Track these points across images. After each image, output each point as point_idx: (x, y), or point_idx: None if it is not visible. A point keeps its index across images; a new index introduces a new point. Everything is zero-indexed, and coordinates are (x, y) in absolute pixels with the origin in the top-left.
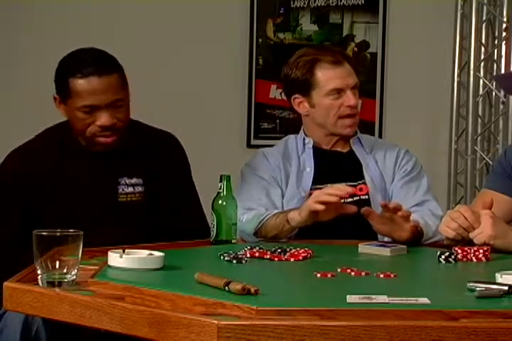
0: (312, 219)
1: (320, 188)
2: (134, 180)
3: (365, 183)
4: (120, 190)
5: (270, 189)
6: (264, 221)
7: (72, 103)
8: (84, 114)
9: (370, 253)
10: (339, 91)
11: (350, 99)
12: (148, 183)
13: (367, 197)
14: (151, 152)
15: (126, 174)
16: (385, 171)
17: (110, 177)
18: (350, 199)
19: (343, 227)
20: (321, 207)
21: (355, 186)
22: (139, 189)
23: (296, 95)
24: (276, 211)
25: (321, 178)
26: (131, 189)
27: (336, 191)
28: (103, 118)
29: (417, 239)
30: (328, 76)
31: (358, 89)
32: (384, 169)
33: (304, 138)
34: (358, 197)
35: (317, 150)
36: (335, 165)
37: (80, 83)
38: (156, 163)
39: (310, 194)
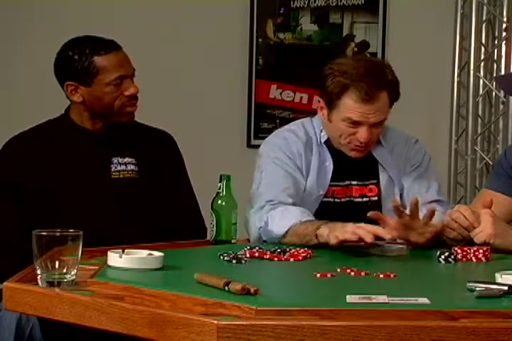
0: None
1: (337, 185)
2: (126, 159)
3: (375, 184)
4: (113, 169)
5: (296, 177)
6: (292, 227)
7: (100, 80)
8: (114, 87)
9: (370, 253)
10: (356, 123)
11: (362, 135)
12: (141, 164)
13: (376, 198)
14: (144, 141)
15: (118, 154)
16: (399, 167)
17: (103, 156)
18: (359, 200)
19: None
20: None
21: (366, 186)
22: (132, 167)
23: (321, 101)
24: (305, 219)
25: (337, 174)
26: (123, 167)
27: (367, 236)
28: (132, 88)
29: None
30: (350, 107)
31: (382, 122)
32: (399, 166)
33: (317, 131)
34: (367, 199)
35: (335, 151)
36: (350, 161)
37: (108, 58)
38: (149, 150)
39: (332, 191)
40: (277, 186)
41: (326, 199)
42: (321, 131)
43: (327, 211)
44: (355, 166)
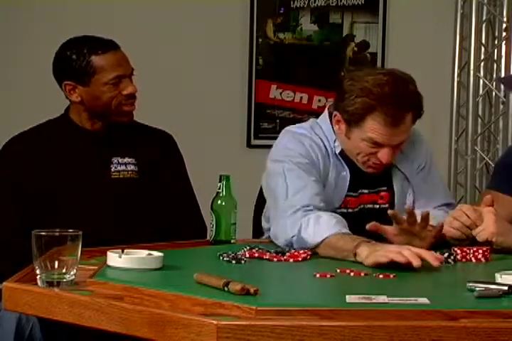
0: None
1: (351, 196)
2: (126, 159)
3: (386, 191)
4: (113, 169)
5: (321, 183)
6: (329, 238)
7: (98, 79)
8: (112, 87)
9: None
10: (378, 144)
11: (384, 156)
12: (141, 164)
13: (387, 205)
14: (144, 141)
15: (118, 154)
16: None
17: (103, 157)
18: (370, 206)
19: None
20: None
21: (377, 193)
22: (132, 167)
23: (339, 116)
24: (343, 230)
25: (351, 184)
26: (123, 167)
27: (414, 259)
28: (130, 87)
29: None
30: (375, 129)
31: (404, 142)
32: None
33: (334, 140)
34: (378, 206)
35: (349, 162)
36: (363, 171)
37: (105, 57)
38: (149, 151)
39: (346, 202)
40: (309, 191)
41: (339, 210)
42: (334, 141)
43: None
44: (367, 175)
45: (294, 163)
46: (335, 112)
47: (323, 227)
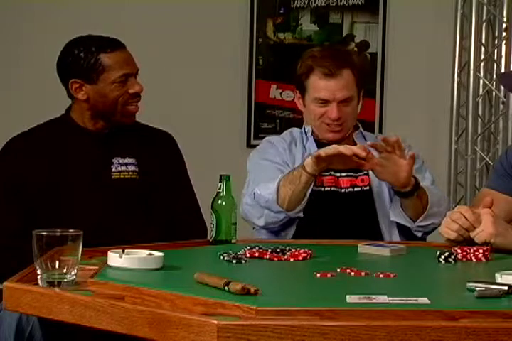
0: (324, 165)
1: (324, 175)
2: (126, 160)
3: (366, 174)
4: (113, 169)
5: (285, 171)
6: (280, 181)
7: (106, 77)
8: (118, 85)
9: (370, 253)
10: (324, 102)
11: (332, 112)
12: (141, 164)
13: (368, 187)
14: (145, 141)
15: (119, 155)
16: None
17: (104, 156)
18: (350, 190)
19: (343, 227)
20: (322, 154)
21: (356, 177)
22: (132, 168)
23: (297, 90)
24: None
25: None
26: (124, 167)
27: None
28: (137, 86)
29: (416, 188)
30: (316, 85)
31: (351, 100)
32: None
33: (304, 127)
34: (359, 188)
35: (320, 142)
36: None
37: (113, 56)
38: (149, 151)
39: (321, 181)
40: (266, 177)
41: (314, 188)
42: (304, 127)
43: (316, 200)
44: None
45: (259, 159)
46: (295, 91)
47: (272, 182)
